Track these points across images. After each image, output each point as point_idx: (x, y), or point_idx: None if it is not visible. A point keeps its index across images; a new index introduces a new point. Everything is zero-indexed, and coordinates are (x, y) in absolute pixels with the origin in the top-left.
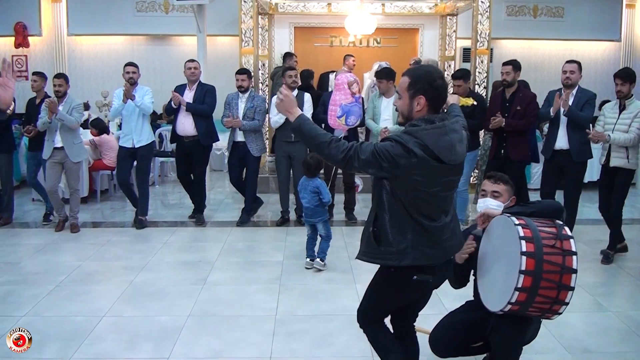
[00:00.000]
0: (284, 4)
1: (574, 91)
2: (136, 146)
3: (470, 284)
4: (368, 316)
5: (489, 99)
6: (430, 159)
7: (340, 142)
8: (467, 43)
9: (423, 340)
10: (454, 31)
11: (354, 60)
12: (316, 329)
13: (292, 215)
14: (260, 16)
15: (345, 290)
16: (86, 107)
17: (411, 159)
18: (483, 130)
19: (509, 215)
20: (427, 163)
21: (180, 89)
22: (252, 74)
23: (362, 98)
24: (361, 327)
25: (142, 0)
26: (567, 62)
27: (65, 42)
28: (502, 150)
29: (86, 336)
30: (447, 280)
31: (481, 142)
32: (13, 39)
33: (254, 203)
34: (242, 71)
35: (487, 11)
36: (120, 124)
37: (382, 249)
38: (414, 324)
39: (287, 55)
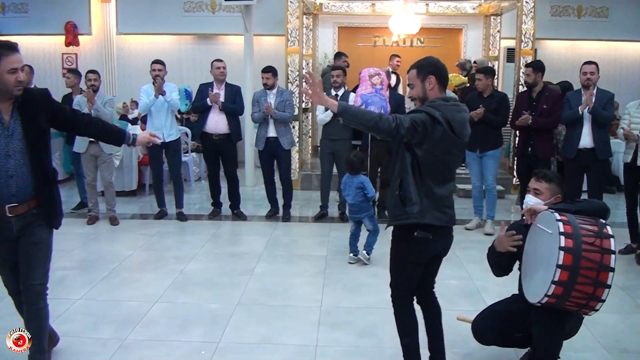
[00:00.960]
0: (328, 4)
1: (594, 91)
2: (166, 140)
3: (516, 279)
4: (397, 287)
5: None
6: (448, 130)
7: (385, 116)
8: (511, 43)
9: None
10: (498, 31)
11: (398, 61)
12: (360, 320)
13: (334, 212)
14: (305, 16)
15: (387, 285)
16: (134, 104)
17: (436, 127)
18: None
19: (553, 211)
20: (446, 133)
21: (205, 88)
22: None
23: (389, 92)
24: (392, 303)
25: (189, 1)
26: (586, 63)
27: (114, 41)
28: (530, 148)
29: (140, 319)
30: (489, 278)
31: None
32: (64, 37)
33: (277, 200)
34: (268, 69)
35: (531, 11)
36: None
37: (407, 209)
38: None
39: (337, 55)
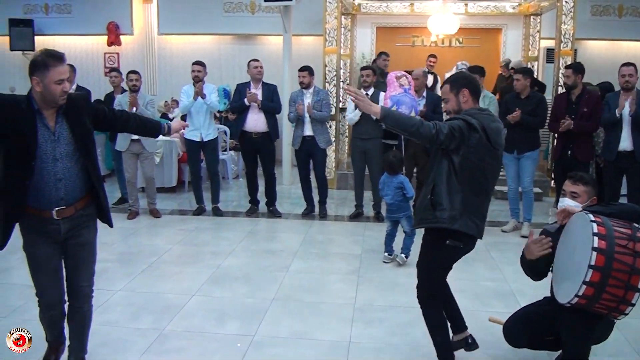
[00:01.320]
0: (366, 4)
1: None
2: (205, 139)
3: (549, 280)
4: (425, 289)
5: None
6: (484, 138)
7: (425, 123)
8: (551, 43)
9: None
10: (538, 31)
11: (432, 61)
12: (394, 319)
13: (369, 211)
14: (343, 16)
15: None
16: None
17: (472, 133)
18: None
19: (587, 212)
20: (482, 140)
21: (243, 88)
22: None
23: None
24: (420, 304)
25: (229, 2)
26: (624, 64)
27: (155, 41)
28: (569, 151)
29: (178, 311)
30: (524, 280)
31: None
32: (106, 37)
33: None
34: (304, 68)
35: (571, 11)
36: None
37: (437, 213)
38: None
39: (379, 55)
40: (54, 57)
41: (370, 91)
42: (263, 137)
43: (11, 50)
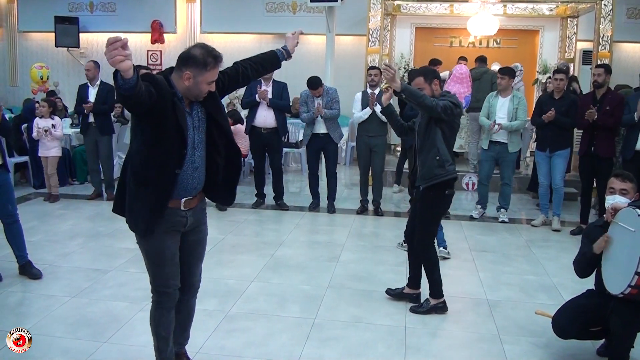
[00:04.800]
0: (407, 5)
1: None
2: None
3: (590, 278)
4: (426, 237)
5: None
6: (458, 110)
7: (428, 97)
8: (587, 45)
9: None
10: (574, 33)
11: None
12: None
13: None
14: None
15: (469, 277)
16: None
17: (456, 109)
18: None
19: (634, 207)
20: (460, 114)
21: (254, 85)
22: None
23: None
24: (420, 251)
25: (271, 2)
26: None
27: (198, 39)
28: (592, 148)
29: (240, 295)
30: (565, 274)
31: None
32: (149, 35)
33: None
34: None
35: (609, 14)
36: None
37: (447, 168)
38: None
39: (431, 62)
40: (215, 59)
41: (377, 90)
42: (271, 132)
43: (56, 46)
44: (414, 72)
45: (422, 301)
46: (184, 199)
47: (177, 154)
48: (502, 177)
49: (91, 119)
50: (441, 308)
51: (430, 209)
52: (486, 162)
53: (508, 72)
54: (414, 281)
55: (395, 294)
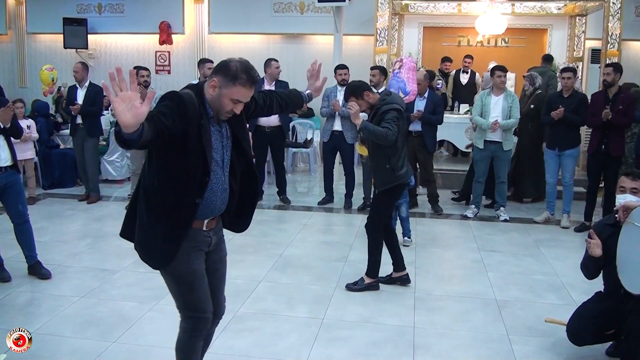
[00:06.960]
0: (414, 4)
1: None
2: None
3: (599, 277)
4: (377, 222)
5: None
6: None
7: (387, 133)
8: (595, 44)
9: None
10: (583, 32)
11: (467, 62)
12: (453, 307)
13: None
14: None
15: (477, 277)
16: None
17: (400, 119)
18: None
19: None
20: (403, 117)
21: (258, 85)
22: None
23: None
24: (369, 232)
25: (279, 2)
26: None
27: (206, 40)
28: (603, 146)
29: (248, 295)
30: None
31: None
32: (158, 36)
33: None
34: (342, 66)
35: (618, 12)
36: None
37: (396, 174)
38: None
39: (443, 60)
40: (249, 78)
41: (381, 89)
42: (275, 130)
43: (65, 48)
44: (346, 93)
45: (357, 279)
46: (207, 220)
47: (199, 182)
48: (497, 175)
49: (79, 120)
50: (374, 286)
51: (382, 201)
52: (481, 161)
53: (500, 68)
54: (397, 264)
55: (385, 281)
